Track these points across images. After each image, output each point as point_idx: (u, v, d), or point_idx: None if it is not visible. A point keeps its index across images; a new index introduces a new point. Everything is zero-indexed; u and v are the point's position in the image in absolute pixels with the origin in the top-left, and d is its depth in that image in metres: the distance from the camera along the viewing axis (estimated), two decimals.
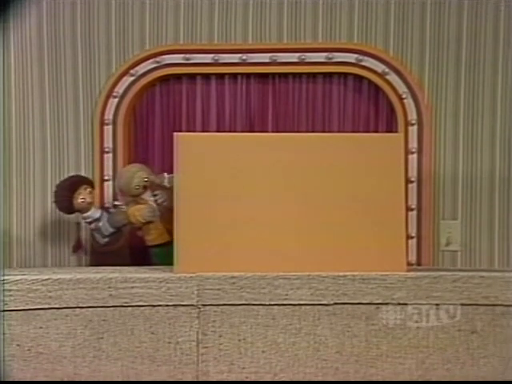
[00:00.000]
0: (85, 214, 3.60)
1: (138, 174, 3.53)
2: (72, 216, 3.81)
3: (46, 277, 2.83)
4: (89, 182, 3.65)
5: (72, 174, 3.80)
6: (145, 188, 3.52)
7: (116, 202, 3.68)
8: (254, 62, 3.80)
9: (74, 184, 3.60)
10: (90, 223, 3.61)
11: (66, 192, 3.56)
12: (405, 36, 3.76)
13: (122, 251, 3.59)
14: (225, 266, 2.84)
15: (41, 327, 2.82)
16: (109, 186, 3.86)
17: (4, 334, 2.78)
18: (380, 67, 3.75)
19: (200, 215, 2.86)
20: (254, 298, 2.83)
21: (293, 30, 3.78)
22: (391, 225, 2.90)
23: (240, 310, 2.84)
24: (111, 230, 3.56)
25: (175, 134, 2.98)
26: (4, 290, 2.78)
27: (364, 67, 3.77)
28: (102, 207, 3.71)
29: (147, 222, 3.47)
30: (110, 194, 3.86)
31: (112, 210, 3.66)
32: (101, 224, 3.56)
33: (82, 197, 3.55)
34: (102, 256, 3.53)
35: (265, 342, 2.84)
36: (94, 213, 3.60)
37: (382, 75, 3.76)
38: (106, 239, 3.57)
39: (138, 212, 3.45)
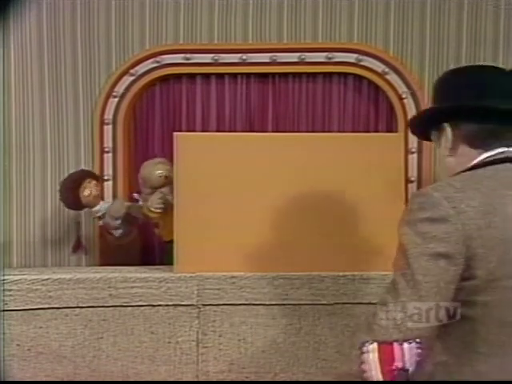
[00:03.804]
0: (94, 209, 3.61)
1: (161, 164, 3.50)
2: (72, 216, 3.82)
3: (46, 276, 2.83)
4: (92, 175, 3.65)
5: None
6: (166, 179, 3.48)
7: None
8: (254, 62, 3.80)
9: (77, 179, 3.59)
10: (100, 218, 3.62)
11: (71, 188, 3.56)
12: (405, 36, 3.76)
13: (134, 246, 3.59)
14: (224, 265, 2.84)
15: (41, 327, 2.82)
16: (109, 186, 3.86)
17: (4, 333, 2.78)
18: (380, 67, 3.75)
19: (200, 214, 2.86)
20: (254, 297, 2.83)
21: (293, 29, 3.78)
22: (391, 224, 2.89)
23: (240, 309, 2.84)
24: (115, 221, 3.55)
25: (175, 133, 2.98)
26: (4, 289, 2.78)
27: (364, 67, 3.78)
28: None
29: (162, 215, 3.42)
30: (110, 193, 3.87)
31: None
32: (106, 218, 3.57)
33: (87, 190, 3.55)
34: (114, 250, 3.52)
35: (265, 342, 2.84)
36: (103, 206, 3.60)
37: (381, 75, 3.76)
38: (120, 231, 3.56)
39: (150, 202, 3.41)
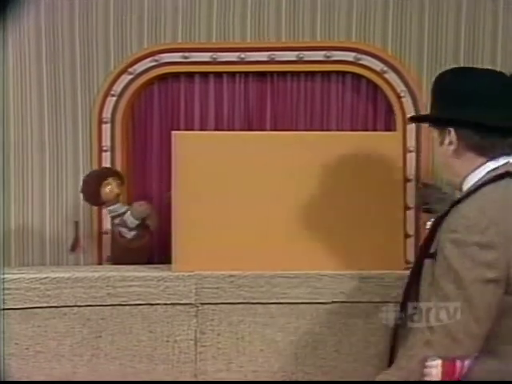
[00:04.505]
0: (111, 208, 3.61)
1: None
2: (70, 215, 3.81)
3: (45, 275, 2.83)
4: (118, 174, 3.67)
5: (70, 172, 3.81)
6: None
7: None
8: (253, 61, 3.79)
9: (102, 175, 3.62)
10: (114, 217, 3.62)
11: (95, 179, 3.59)
12: (403, 34, 3.75)
13: (144, 250, 3.59)
14: (223, 264, 2.84)
15: (39, 326, 2.82)
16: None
17: (4, 332, 2.78)
18: (378, 66, 3.74)
19: (197, 213, 2.86)
20: (252, 296, 2.83)
21: (291, 28, 3.77)
22: (389, 223, 2.90)
23: (238, 308, 2.84)
24: (136, 222, 3.55)
25: (173, 132, 2.98)
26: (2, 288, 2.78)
27: (362, 66, 3.77)
28: (129, 205, 3.71)
29: None
30: None
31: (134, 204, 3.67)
32: (125, 217, 3.56)
33: (110, 186, 3.57)
34: (126, 253, 3.52)
35: (263, 341, 2.84)
36: (120, 207, 3.61)
37: (380, 74, 3.76)
38: (133, 232, 3.56)
39: None
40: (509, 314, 1.87)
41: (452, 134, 2.04)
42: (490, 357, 1.88)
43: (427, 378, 1.82)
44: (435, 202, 2.68)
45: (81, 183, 3.65)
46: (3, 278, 2.80)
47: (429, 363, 1.82)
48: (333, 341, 2.85)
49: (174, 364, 2.84)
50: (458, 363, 1.83)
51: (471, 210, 1.88)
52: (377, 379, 2.03)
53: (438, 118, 2.11)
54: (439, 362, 1.82)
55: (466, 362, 1.83)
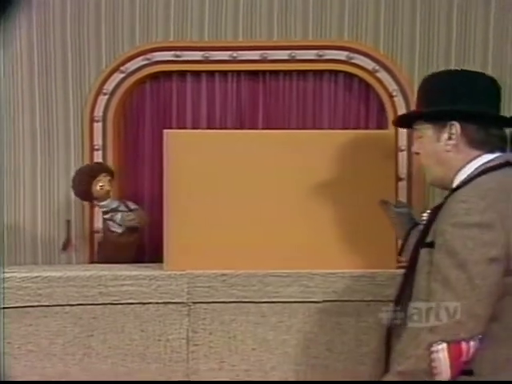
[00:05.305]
0: (102, 203, 3.61)
1: None
2: (62, 214, 3.81)
3: (36, 274, 2.83)
4: (109, 171, 3.66)
5: (62, 171, 3.80)
6: None
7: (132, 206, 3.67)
8: (245, 60, 3.79)
9: (94, 170, 3.62)
10: (105, 213, 3.62)
11: (86, 177, 3.58)
12: (395, 33, 3.76)
13: (134, 246, 3.60)
14: (215, 263, 2.84)
15: (31, 325, 2.81)
16: None
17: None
18: (370, 65, 3.75)
19: (190, 212, 2.86)
20: (244, 295, 2.83)
21: (283, 27, 3.78)
22: (381, 222, 2.90)
23: (230, 307, 2.84)
24: (123, 226, 3.57)
25: (165, 130, 2.98)
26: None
27: (354, 65, 3.77)
28: (120, 199, 3.70)
29: None
30: None
31: (129, 203, 3.67)
32: (118, 216, 3.56)
33: (101, 184, 3.58)
34: (115, 247, 3.53)
35: (255, 340, 2.84)
36: (112, 203, 3.61)
37: (372, 73, 3.76)
38: (123, 228, 3.57)
39: None
40: (508, 295, 1.90)
41: (456, 128, 2.06)
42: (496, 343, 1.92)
43: (435, 363, 1.86)
44: (395, 216, 2.68)
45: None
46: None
47: (434, 348, 1.86)
48: (324, 339, 2.85)
49: (166, 363, 2.84)
50: (464, 345, 1.86)
51: (469, 194, 1.93)
52: (387, 376, 2.01)
53: (443, 112, 2.10)
54: (444, 345, 1.85)
55: (472, 343, 1.86)
